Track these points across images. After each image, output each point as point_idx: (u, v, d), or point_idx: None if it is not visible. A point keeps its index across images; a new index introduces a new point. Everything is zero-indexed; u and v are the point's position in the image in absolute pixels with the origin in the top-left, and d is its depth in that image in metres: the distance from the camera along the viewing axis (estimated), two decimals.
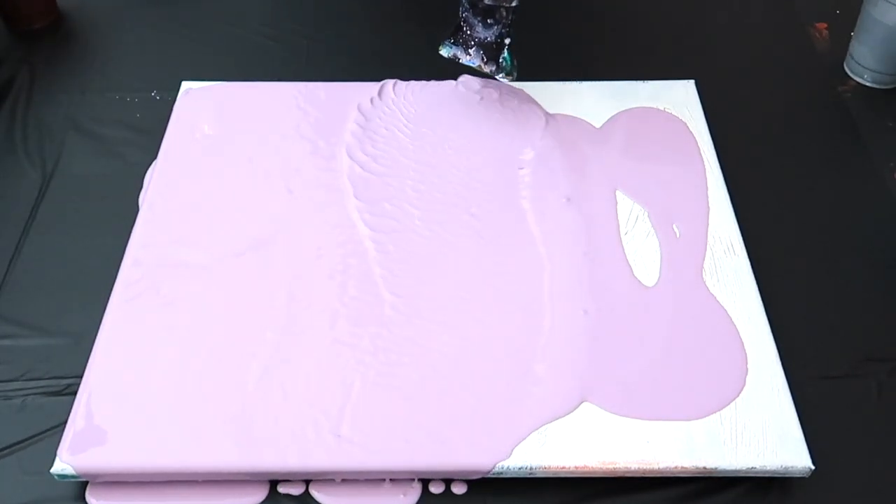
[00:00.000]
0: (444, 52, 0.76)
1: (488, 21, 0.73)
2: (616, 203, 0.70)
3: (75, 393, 0.58)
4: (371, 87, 0.79)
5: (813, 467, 0.55)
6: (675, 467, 0.55)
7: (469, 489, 0.56)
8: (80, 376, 0.59)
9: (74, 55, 0.87)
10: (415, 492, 0.56)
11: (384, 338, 0.61)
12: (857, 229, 0.71)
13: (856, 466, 0.57)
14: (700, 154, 0.74)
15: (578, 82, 0.80)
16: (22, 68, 0.85)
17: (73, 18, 0.92)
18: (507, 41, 0.73)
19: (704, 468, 0.55)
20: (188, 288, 0.63)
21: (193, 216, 0.68)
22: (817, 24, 0.91)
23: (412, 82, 0.80)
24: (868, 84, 0.84)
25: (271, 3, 0.95)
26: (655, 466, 0.55)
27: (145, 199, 0.70)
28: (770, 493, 0.56)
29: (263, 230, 0.67)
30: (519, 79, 0.80)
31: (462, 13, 0.74)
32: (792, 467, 0.55)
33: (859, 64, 0.84)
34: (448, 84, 0.80)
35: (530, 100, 0.78)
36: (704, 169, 0.72)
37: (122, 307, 0.62)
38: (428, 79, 0.80)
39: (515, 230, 0.68)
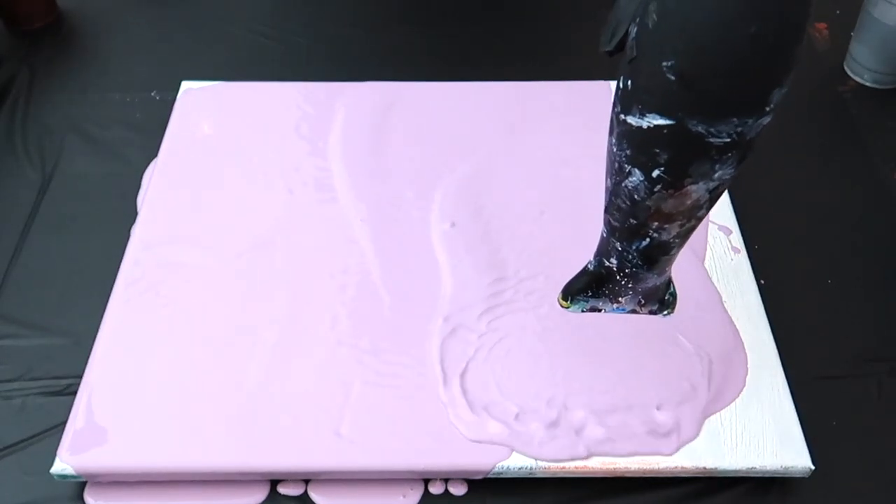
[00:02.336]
0: (577, 308, 0.58)
1: (667, 269, 0.54)
2: None
3: (75, 393, 0.58)
4: (370, 88, 0.79)
5: (813, 467, 0.55)
6: (675, 467, 0.55)
7: (469, 489, 0.56)
8: (80, 376, 0.59)
9: (74, 55, 0.87)
10: (415, 492, 0.55)
11: (384, 338, 0.61)
12: (857, 229, 0.71)
13: (856, 466, 0.57)
14: None
15: (580, 82, 0.80)
16: (22, 68, 0.85)
17: (73, 18, 0.92)
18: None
19: (704, 468, 0.55)
20: (188, 288, 0.63)
21: (193, 216, 0.68)
22: (817, 24, 0.91)
23: (412, 83, 0.80)
24: (868, 84, 0.84)
25: (271, 3, 0.95)
26: (655, 466, 0.55)
27: (145, 199, 0.70)
28: (770, 493, 0.56)
29: (263, 230, 0.67)
30: (521, 80, 0.79)
31: (625, 268, 0.53)
32: (792, 467, 0.55)
33: (859, 64, 0.84)
34: (448, 85, 0.80)
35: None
36: None
37: (122, 307, 0.62)
38: (428, 79, 0.80)
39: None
